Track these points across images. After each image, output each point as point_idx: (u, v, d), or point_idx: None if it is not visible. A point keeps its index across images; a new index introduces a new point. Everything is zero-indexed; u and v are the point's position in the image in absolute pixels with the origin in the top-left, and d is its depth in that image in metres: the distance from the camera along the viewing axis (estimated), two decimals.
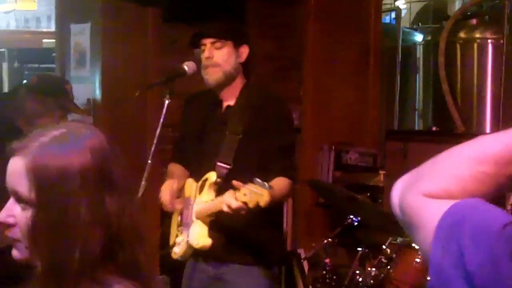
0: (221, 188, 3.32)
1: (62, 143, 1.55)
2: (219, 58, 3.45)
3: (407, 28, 7.84)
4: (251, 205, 3.00)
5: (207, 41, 3.48)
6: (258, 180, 3.04)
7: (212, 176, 3.37)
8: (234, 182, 3.07)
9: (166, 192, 3.46)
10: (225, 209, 3.09)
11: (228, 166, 3.38)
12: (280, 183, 3.35)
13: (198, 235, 3.34)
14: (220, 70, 3.45)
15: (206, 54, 3.46)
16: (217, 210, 3.20)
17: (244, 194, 3.01)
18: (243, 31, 3.66)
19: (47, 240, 1.52)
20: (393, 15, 8.09)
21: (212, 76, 3.46)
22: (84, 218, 1.51)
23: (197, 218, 3.36)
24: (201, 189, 3.40)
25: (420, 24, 8.04)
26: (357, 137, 6.14)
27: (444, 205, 1.18)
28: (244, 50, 3.52)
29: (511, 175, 1.20)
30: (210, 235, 3.32)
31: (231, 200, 3.06)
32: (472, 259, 1.10)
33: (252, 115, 3.46)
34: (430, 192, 1.22)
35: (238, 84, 3.53)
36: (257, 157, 3.44)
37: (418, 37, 7.35)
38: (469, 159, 1.22)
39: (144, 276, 1.61)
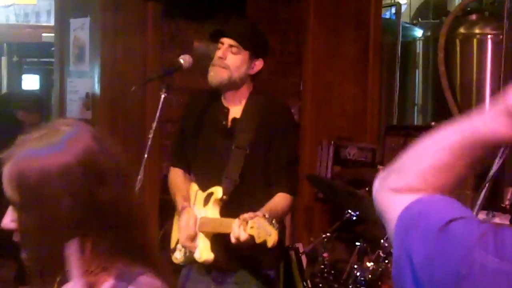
0: (226, 204, 3.32)
1: (41, 145, 1.56)
2: (230, 62, 3.39)
3: (407, 23, 7.83)
4: (258, 241, 2.99)
5: (226, 41, 3.41)
6: (267, 216, 3.03)
7: (218, 192, 3.34)
8: (243, 216, 3.05)
9: (186, 227, 3.36)
10: (233, 240, 3.07)
11: (234, 183, 3.36)
12: (283, 203, 3.36)
13: (201, 250, 3.33)
14: (226, 73, 3.39)
15: (219, 53, 3.41)
16: (222, 232, 3.19)
17: (252, 227, 3.00)
18: (265, 45, 3.59)
19: (33, 241, 1.55)
20: (393, 10, 8.07)
21: (216, 75, 3.40)
22: (72, 215, 1.52)
23: (200, 231, 3.35)
24: (205, 201, 3.39)
25: (420, 19, 8.03)
26: (357, 132, 6.15)
27: (406, 201, 1.20)
28: (258, 64, 3.46)
29: (468, 165, 1.20)
30: (212, 249, 3.32)
31: (240, 233, 3.04)
32: (418, 253, 1.12)
33: (259, 128, 3.43)
34: (396, 187, 1.25)
35: (244, 92, 3.48)
36: (262, 171, 3.42)
37: (418, 33, 7.35)
38: (428, 151, 1.24)
39: (154, 260, 1.63)
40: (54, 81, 5.67)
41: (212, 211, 3.34)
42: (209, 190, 3.38)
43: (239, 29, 3.50)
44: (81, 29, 5.26)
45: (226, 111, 3.48)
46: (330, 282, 4.05)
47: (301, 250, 4.75)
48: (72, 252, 1.51)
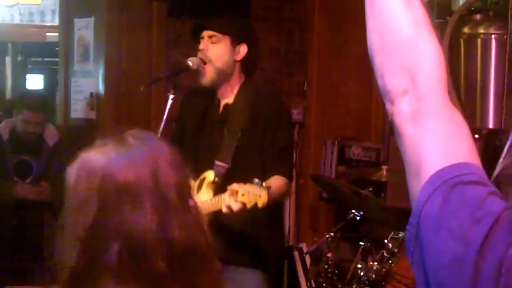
0: (219, 188, 3.32)
1: (107, 153, 1.64)
2: (212, 53, 3.44)
3: None
4: (249, 205, 3.01)
5: (205, 34, 3.47)
6: (257, 180, 3.05)
7: (210, 175, 3.36)
8: (232, 186, 3.07)
9: None
10: (225, 210, 3.08)
11: (226, 165, 3.37)
12: (278, 182, 3.36)
13: None
14: (212, 68, 3.43)
15: (201, 46, 3.46)
16: (215, 209, 3.20)
17: (243, 195, 3.02)
18: (246, 29, 3.60)
19: (64, 241, 1.61)
20: None
21: (205, 75, 3.44)
22: (96, 227, 1.57)
23: None
24: (198, 188, 3.40)
25: None
26: (361, 132, 6.15)
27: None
28: (243, 49, 3.49)
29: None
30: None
31: (231, 202, 3.05)
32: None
33: (251, 114, 3.46)
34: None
35: (235, 81, 3.52)
36: (256, 156, 3.44)
37: None
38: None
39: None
40: (58, 81, 5.68)
41: (205, 195, 3.35)
42: (202, 176, 3.39)
43: (214, 18, 3.54)
44: (85, 29, 5.27)
45: (218, 101, 3.51)
46: (334, 282, 4.05)
47: (305, 250, 4.75)
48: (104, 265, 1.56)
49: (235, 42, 3.48)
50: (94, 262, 1.57)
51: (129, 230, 1.57)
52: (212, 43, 3.46)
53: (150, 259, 1.58)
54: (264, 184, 3.05)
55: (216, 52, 3.45)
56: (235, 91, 3.51)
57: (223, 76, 3.47)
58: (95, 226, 1.57)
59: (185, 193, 1.69)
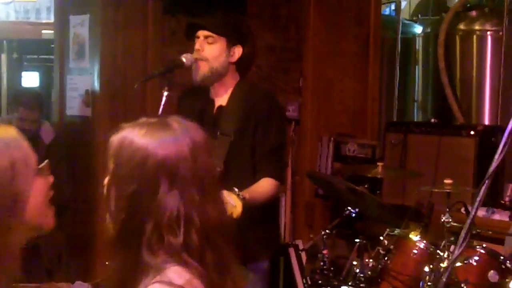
0: None
1: (149, 134, 1.77)
2: (208, 53, 3.44)
3: (407, 20, 7.82)
4: None
5: (201, 34, 3.47)
6: (236, 189, 3.09)
7: None
8: None
9: None
10: None
11: (218, 168, 3.37)
12: (265, 185, 3.37)
13: None
14: (206, 65, 3.43)
15: (196, 46, 3.46)
16: None
17: None
18: (242, 30, 3.59)
19: (115, 207, 1.76)
20: (392, 7, 8.06)
21: (197, 70, 3.45)
22: (144, 199, 1.72)
23: None
24: None
25: (419, 16, 8.02)
26: (357, 128, 6.15)
27: None
28: (238, 50, 3.49)
29: None
30: None
31: None
32: None
33: (243, 116, 3.45)
34: None
35: (229, 82, 3.51)
36: (247, 158, 3.44)
37: (418, 29, 7.34)
38: None
39: (201, 267, 1.76)
40: (54, 78, 5.67)
41: None
42: None
43: (211, 18, 3.54)
44: (81, 26, 5.26)
45: (212, 102, 3.51)
46: (330, 278, 4.06)
47: (301, 247, 4.76)
48: (133, 236, 1.71)
49: (231, 44, 3.48)
50: (131, 233, 1.72)
51: (165, 206, 1.71)
52: (208, 43, 3.46)
53: (176, 237, 1.72)
54: (241, 194, 3.08)
55: (212, 52, 3.45)
56: (229, 91, 3.51)
57: (216, 76, 3.47)
58: (135, 199, 1.72)
59: (216, 179, 1.86)
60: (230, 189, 3.11)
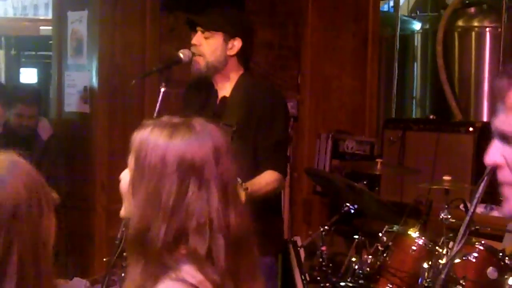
0: None
1: (173, 135, 1.79)
2: (205, 48, 3.45)
3: (406, 16, 7.81)
4: None
5: (199, 29, 3.49)
6: (239, 179, 3.08)
7: None
8: None
9: None
10: None
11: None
12: (267, 177, 3.37)
13: None
14: (203, 60, 3.45)
15: (193, 40, 3.48)
16: None
17: None
18: (239, 23, 3.59)
19: (136, 205, 1.78)
20: (391, 3, 8.06)
21: (194, 65, 3.47)
22: (168, 200, 1.74)
23: None
24: None
25: (418, 12, 8.01)
26: (355, 125, 6.15)
27: None
28: (237, 43, 3.49)
29: None
30: None
31: None
32: None
33: (247, 107, 3.46)
34: None
35: (232, 74, 3.51)
36: (250, 149, 3.44)
37: (417, 26, 7.34)
38: None
39: (216, 270, 1.78)
40: (52, 75, 5.66)
41: None
42: None
43: (206, 14, 3.55)
44: (79, 22, 5.25)
45: (216, 93, 3.52)
46: (328, 275, 4.06)
47: (299, 243, 4.75)
48: (159, 232, 1.72)
49: (228, 37, 3.48)
50: (154, 233, 1.73)
51: (193, 208, 1.74)
52: (205, 38, 3.47)
53: (201, 239, 1.74)
54: (243, 184, 3.07)
55: (209, 47, 3.46)
56: (233, 83, 3.52)
57: (213, 70, 3.48)
58: (159, 198, 1.74)
59: (236, 182, 1.90)
60: (241, 175, 3.09)
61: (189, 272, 1.73)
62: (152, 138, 1.80)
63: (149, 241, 1.74)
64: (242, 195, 3.03)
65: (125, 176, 1.87)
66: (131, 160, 1.83)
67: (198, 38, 3.48)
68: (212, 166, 1.78)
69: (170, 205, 1.74)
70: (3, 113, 4.51)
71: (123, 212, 1.89)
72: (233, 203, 1.83)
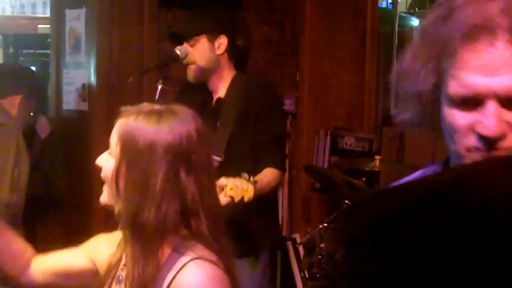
0: None
1: (157, 121, 1.85)
2: (194, 56, 3.48)
3: (404, 13, 7.82)
4: (236, 199, 3.04)
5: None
6: (245, 174, 3.08)
7: None
8: (221, 180, 3.08)
9: None
10: None
11: (219, 159, 3.38)
12: (269, 174, 3.37)
13: None
14: (196, 67, 3.49)
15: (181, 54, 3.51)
16: None
17: (231, 189, 3.04)
18: (219, 21, 3.60)
19: (126, 191, 1.83)
20: (389, 0, 8.08)
21: (189, 74, 3.51)
22: (160, 185, 1.79)
23: None
24: None
25: (417, 9, 8.03)
26: (354, 122, 6.14)
27: None
28: (223, 41, 3.50)
29: None
30: None
31: (220, 197, 3.07)
32: None
33: (243, 106, 3.46)
34: None
35: (225, 74, 3.52)
36: (248, 148, 3.45)
37: (415, 22, 7.34)
38: None
39: (220, 249, 1.88)
40: (50, 73, 5.65)
41: None
42: None
43: (183, 24, 3.59)
44: (76, 20, 5.24)
45: (211, 95, 3.53)
46: (327, 272, 4.05)
47: (298, 240, 4.75)
48: (151, 215, 1.78)
49: (212, 37, 3.49)
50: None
51: (185, 190, 1.80)
52: (191, 46, 3.49)
53: (197, 219, 1.81)
54: (252, 178, 3.07)
55: (197, 53, 3.50)
56: (227, 84, 3.52)
57: (208, 73, 3.50)
58: (162, 186, 1.78)
59: (213, 166, 1.95)
60: (237, 174, 3.10)
61: (202, 250, 1.80)
62: (138, 125, 1.85)
63: (141, 224, 1.78)
64: (251, 190, 3.03)
65: (105, 163, 1.90)
66: (115, 147, 1.86)
67: (184, 50, 3.50)
68: (197, 149, 1.83)
69: (160, 189, 1.78)
70: (29, 105, 4.46)
71: (104, 199, 1.93)
72: (213, 183, 1.91)
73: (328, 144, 5.83)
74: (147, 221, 1.78)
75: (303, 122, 5.94)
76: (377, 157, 4.49)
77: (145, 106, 1.94)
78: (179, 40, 3.54)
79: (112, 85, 5.11)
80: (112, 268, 2.00)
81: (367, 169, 4.58)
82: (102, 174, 1.92)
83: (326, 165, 5.80)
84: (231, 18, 3.68)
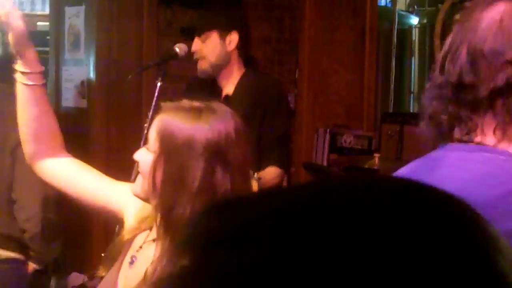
0: None
1: (196, 118, 1.85)
2: (205, 51, 3.47)
3: (403, 10, 7.81)
4: None
5: (196, 35, 3.51)
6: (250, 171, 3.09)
7: None
8: None
9: None
10: None
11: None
12: (272, 172, 3.38)
13: None
14: (206, 62, 3.47)
15: (193, 48, 3.49)
16: None
17: None
18: (231, 17, 3.60)
19: (162, 186, 1.84)
20: None
21: (199, 69, 3.50)
22: (196, 182, 1.80)
23: None
24: None
25: (416, 6, 8.02)
26: (353, 119, 6.14)
27: None
28: (233, 37, 3.49)
29: None
30: None
31: None
32: None
33: (251, 104, 3.46)
34: None
35: (235, 71, 3.52)
36: (253, 146, 3.45)
37: (414, 20, 7.34)
38: None
39: None
40: (49, 70, 5.65)
41: None
42: None
43: (195, 20, 3.58)
44: (76, 17, 5.24)
45: (219, 91, 3.53)
46: None
47: None
48: (186, 212, 1.77)
49: (224, 33, 3.48)
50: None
51: (219, 190, 1.80)
52: (202, 41, 3.48)
53: None
54: (255, 175, 3.08)
55: (208, 49, 3.48)
56: (236, 81, 3.52)
57: (218, 69, 3.49)
58: (198, 184, 1.80)
59: (251, 163, 1.98)
60: None
61: None
62: (177, 121, 1.85)
63: (175, 220, 1.79)
64: (255, 186, 3.05)
65: (142, 157, 1.92)
66: (154, 142, 1.87)
67: (195, 44, 3.49)
68: (234, 147, 1.84)
69: (196, 185, 1.79)
70: None
71: (138, 191, 1.95)
72: (247, 183, 1.91)
73: (327, 141, 5.83)
74: (182, 217, 1.79)
75: (302, 119, 5.94)
76: (376, 154, 4.50)
77: (185, 102, 1.94)
78: (190, 35, 3.53)
79: (111, 82, 5.11)
80: (129, 241, 2.02)
81: (366, 166, 4.58)
82: (140, 168, 1.95)
83: (325, 163, 5.80)
84: (241, 14, 3.68)
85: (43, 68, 2.40)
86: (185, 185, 1.80)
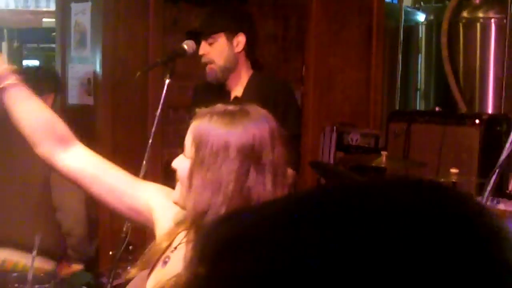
0: None
1: (231, 122, 1.87)
2: (212, 54, 3.44)
3: (410, 7, 7.77)
4: None
5: (202, 38, 3.48)
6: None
7: None
8: None
9: None
10: None
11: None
12: None
13: None
14: (215, 67, 3.44)
15: (200, 51, 3.46)
16: None
17: None
18: (237, 19, 3.57)
19: (198, 190, 1.86)
20: None
21: (209, 73, 3.47)
22: (232, 185, 1.82)
23: None
24: None
25: (422, 3, 7.98)
26: (360, 118, 6.13)
27: None
28: (241, 39, 3.46)
29: None
30: None
31: None
32: None
33: (260, 106, 3.45)
34: None
35: (243, 73, 3.49)
36: None
37: (421, 17, 7.30)
38: None
39: None
40: (55, 67, 5.64)
41: None
42: None
43: (202, 21, 3.54)
44: (82, 14, 5.22)
45: (228, 93, 3.51)
46: None
47: None
48: (213, 218, 1.77)
49: (231, 35, 3.46)
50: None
51: (253, 193, 1.82)
52: (209, 44, 3.45)
53: None
54: None
55: (216, 52, 3.45)
56: (244, 83, 3.49)
57: (228, 72, 3.46)
58: (233, 187, 1.82)
59: (287, 165, 1.97)
60: None
61: None
62: (213, 126, 1.87)
63: (206, 223, 1.81)
64: None
65: (180, 164, 1.94)
66: (190, 148, 1.89)
67: (203, 47, 3.46)
68: (268, 150, 1.86)
69: (231, 189, 1.82)
70: (55, 102, 4.46)
71: (176, 197, 1.96)
72: (281, 185, 1.90)
73: (334, 140, 5.81)
74: (212, 219, 1.79)
75: (308, 118, 5.92)
76: (383, 153, 4.47)
77: (219, 107, 1.95)
78: (197, 38, 3.50)
79: (117, 80, 5.10)
80: (164, 246, 2.01)
81: (373, 165, 4.56)
82: (178, 175, 1.96)
83: (332, 161, 5.79)
84: (248, 15, 3.65)
85: (5, 66, 2.25)
86: (220, 188, 1.83)
